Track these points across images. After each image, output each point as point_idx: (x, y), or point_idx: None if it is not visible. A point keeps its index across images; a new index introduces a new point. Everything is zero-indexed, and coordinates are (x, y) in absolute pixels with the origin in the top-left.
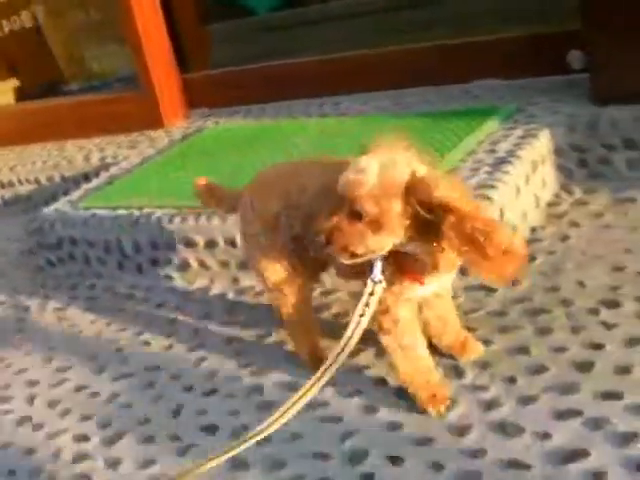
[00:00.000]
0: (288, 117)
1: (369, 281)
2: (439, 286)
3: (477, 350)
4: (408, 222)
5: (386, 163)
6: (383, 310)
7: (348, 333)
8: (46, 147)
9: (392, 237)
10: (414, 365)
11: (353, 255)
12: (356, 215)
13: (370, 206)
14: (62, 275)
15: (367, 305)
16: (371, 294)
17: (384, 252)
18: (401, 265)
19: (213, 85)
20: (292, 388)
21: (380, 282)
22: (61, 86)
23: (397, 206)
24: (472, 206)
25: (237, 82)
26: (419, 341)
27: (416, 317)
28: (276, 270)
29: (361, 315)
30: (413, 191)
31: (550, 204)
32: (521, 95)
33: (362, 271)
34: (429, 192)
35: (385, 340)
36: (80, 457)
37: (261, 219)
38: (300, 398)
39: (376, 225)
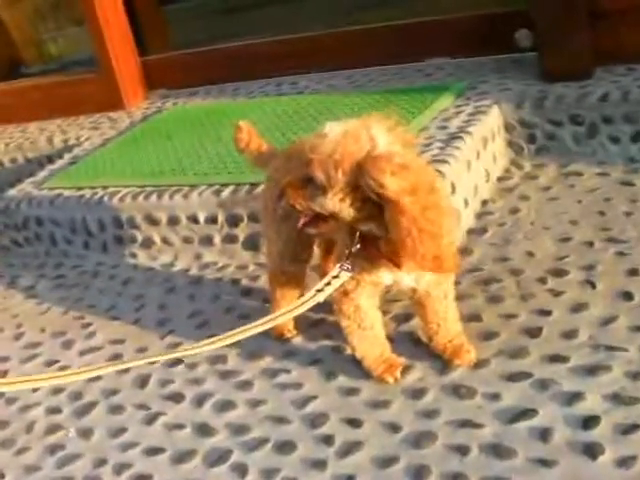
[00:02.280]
0: (246, 97)
1: (337, 266)
2: (415, 281)
3: (467, 358)
4: (358, 197)
5: (349, 133)
6: (344, 293)
7: (299, 301)
8: (7, 129)
9: (338, 205)
10: (370, 342)
11: (302, 215)
12: (307, 177)
13: (318, 171)
14: (29, 255)
15: (328, 284)
16: (335, 277)
17: (339, 222)
18: (372, 248)
19: (172, 67)
20: (255, 357)
21: (347, 269)
22: (20, 69)
23: (343, 178)
24: (421, 204)
25: (195, 63)
26: (377, 322)
27: (376, 302)
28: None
29: (319, 290)
30: (363, 170)
31: (500, 178)
32: (472, 73)
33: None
34: (376, 176)
35: (343, 322)
36: (53, 428)
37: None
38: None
39: (323, 190)
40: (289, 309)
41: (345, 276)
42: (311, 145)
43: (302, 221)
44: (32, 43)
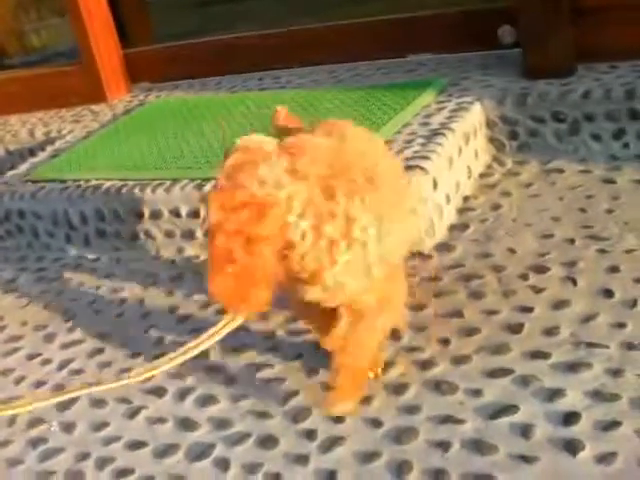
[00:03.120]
0: (229, 91)
1: None
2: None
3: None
4: None
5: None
6: (383, 304)
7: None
8: None
9: None
10: None
11: None
12: None
13: None
14: (10, 248)
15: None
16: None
17: None
18: None
19: (155, 59)
20: (237, 351)
21: None
22: (2, 60)
23: None
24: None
25: (178, 57)
26: None
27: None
28: None
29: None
30: None
31: (482, 175)
32: (454, 69)
33: None
34: None
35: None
36: (35, 422)
37: None
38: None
39: None
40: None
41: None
42: None
43: None
44: (13, 34)
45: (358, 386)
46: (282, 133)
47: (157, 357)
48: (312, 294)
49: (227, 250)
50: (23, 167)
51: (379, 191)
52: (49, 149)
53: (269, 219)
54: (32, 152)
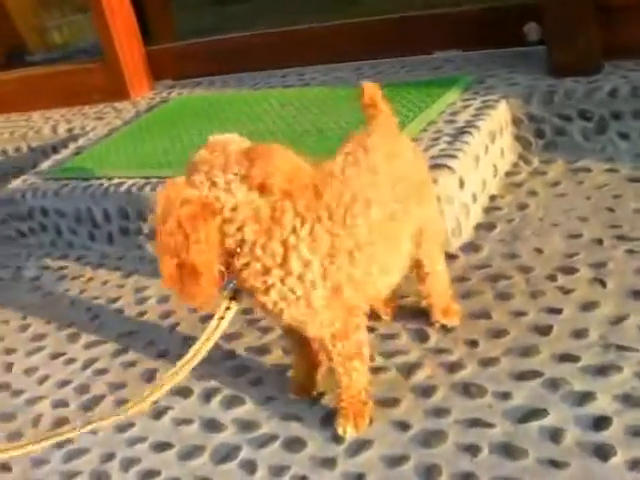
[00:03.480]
0: (251, 88)
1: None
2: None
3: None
4: None
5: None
6: (340, 337)
7: (190, 353)
8: (11, 118)
9: None
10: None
11: None
12: None
13: None
14: (34, 245)
15: (218, 325)
16: (221, 318)
17: None
18: None
19: (177, 57)
20: (263, 353)
21: (229, 305)
22: (24, 56)
23: None
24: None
25: (200, 54)
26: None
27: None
28: None
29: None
30: None
31: (508, 173)
32: (480, 66)
33: None
34: None
35: (354, 364)
36: (60, 422)
37: None
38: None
39: None
40: (179, 366)
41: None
42: None
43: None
44: (36, 31)
45: (359, 413)
46: (369, 109)
47: (182, 357)
48: (255, 306)
49: (168, 242)
50: (46, 164)
51: (358, 222)
52: (72, 146)
53: (206, 223)
54: (55, 149)
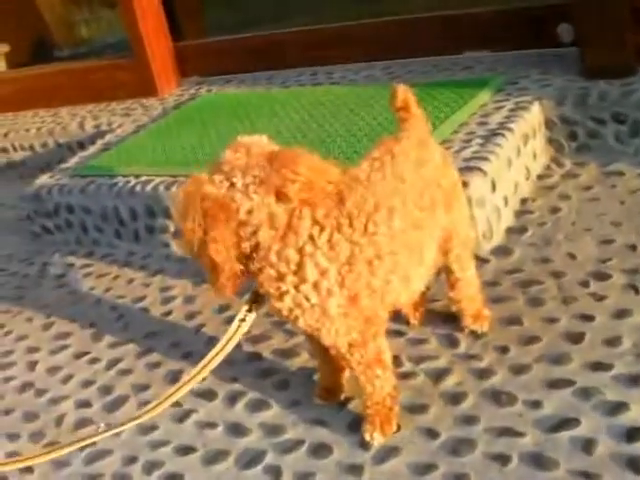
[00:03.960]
0: (280, 86)
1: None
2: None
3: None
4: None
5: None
6: (357, 345)
7: (211, 354)
8: (39, 114)
9: None
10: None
11: None
12: None
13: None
14: (59, 242)
15: (238, 327)
16: (242, 320)
17: None
18: None
19: (205, 53)
20: (289, 355)
21: (250, 308)
22: (52, 51)
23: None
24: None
25: (230, 51)
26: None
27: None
28: None
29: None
30: None
31: (540, 176)
32: (512, 67)
33: None
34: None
35: (378, 371)
36: (82, 422)
37: None
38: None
39: None
40: (201, 366)
41: (251, 316)
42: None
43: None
44: (65, 26)
45: (385, 419)
46: (401, 112)
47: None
48: (272, 310)
49: (189, 237)
50: (72, 161)
51: (380, 231)
52: (99, 143)
53: (222, 223)
54: (82, 145)
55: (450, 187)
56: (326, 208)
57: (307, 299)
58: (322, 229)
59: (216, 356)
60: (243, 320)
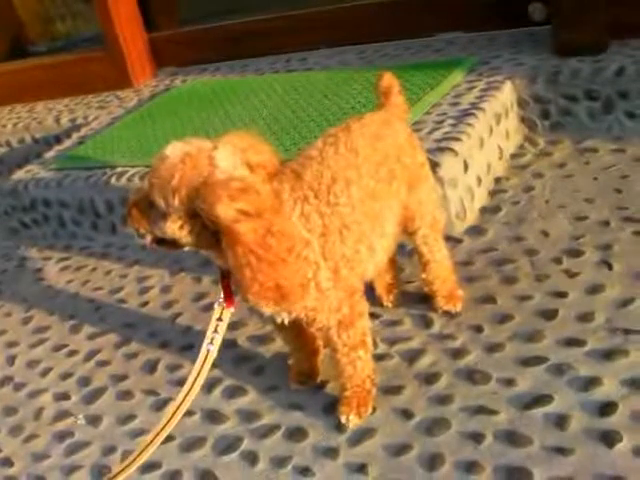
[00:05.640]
0: (255, 73)
1: (216, 305)
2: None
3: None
4: (198, 224)
5: (189, 156)
6: (346, 324)
7: (196, 367)
8: (15, 109)
9: (177, 232)
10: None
11: (145, 238)
12: (150, 201)
13: (157, 197)
14: (37, 236)
15: (216, 331)
16: (219, 319)
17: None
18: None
19: (180, 43)
20: (265, 341)
21: (223, 306)
22: (27, 47)
23: (180, 205)
24: (264, 229)
25: (204, 40)
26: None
27: None
28: None
29: (210, 343)
30: (198, 195)
31: (514, 155)
32: (484, 48)
33: None
34: (209, 203)
35: (362, 352)
36: (61, 415)
37: None
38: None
39: (163, 215)
40: (190, 383)
41: (228, 314)
42: (152, 168)
43: (148, 241)
44: (39, 21)
45: (362, 402)
46: (382, 98)
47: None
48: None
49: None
50: (49, 155)
51: (341, 201)
52: (75, 136)
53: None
54: (58, 139)
55: (415, 168)
56: (289, 184)
57: (303, 275)
58: (294, 203)
59: (187, 396)
60: (220, 319)
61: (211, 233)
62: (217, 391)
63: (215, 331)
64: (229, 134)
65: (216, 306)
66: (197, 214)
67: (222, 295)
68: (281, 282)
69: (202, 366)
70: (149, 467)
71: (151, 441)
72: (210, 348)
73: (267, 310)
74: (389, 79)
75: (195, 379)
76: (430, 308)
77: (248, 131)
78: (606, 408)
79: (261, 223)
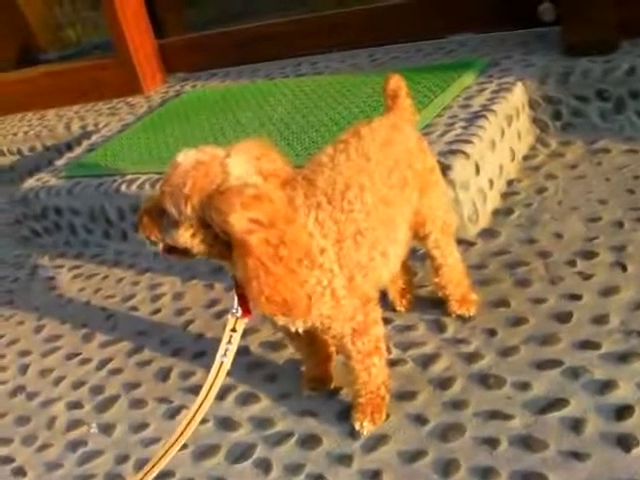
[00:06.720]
0: (265, 78)
1: (229, 315)
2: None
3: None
4: (210, 233)
5: (201, 164)
6: (360, 332)
7: (210, 379)
8: (26, 117)
9: (189, 241)
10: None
11: (157, 246)
12: (162, 209)
13: (169, 205)
14: (49, 245)
15: (230, 342)
16: (233, 330)
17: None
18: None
19: (189, 49)
20: (278, 348)
21: (238, 316)
22: (38, 55)
23: (192, 213)
24: (276, 238)
25: (213, 45)
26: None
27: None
28: None
29: (224, 355)
30: (210, 203)
31: (526, 157)
32: (494, 49)
33: None
34: (223, 212)
35: (376, 359)
36: (74, 424)
37: None
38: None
39: (175, 223)
40: (204, 393)
41: (242, 325)
42: (164, 175)
43: (161, 250)
44: (49, 29)
45: (376, 408)
46: (389, 100)
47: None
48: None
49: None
50: (60, 163)
51: (355, 207)
52: (85, 143)
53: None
54: (69, 147)
55: (426, 173)
56: (302, 191)
57: (319, 283)
58: (308, 210)
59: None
60: (234, 330)
61: (223, 243)
62: (230, 398)
63: (229, 342)
64: (241, 142)
65: (229, 317)
66: (209, 223)
67: (235, 305)
68: (287, 296)
69: (215, 378)
70: (163, 476)
71: (162, 456)
72: (224, 360)
73: (281, 320)
74: (396, 82)
75: (208, 391)
76: (443, 312)
77: (260, 139)
78: (622, 412)
79: (274, 233)
